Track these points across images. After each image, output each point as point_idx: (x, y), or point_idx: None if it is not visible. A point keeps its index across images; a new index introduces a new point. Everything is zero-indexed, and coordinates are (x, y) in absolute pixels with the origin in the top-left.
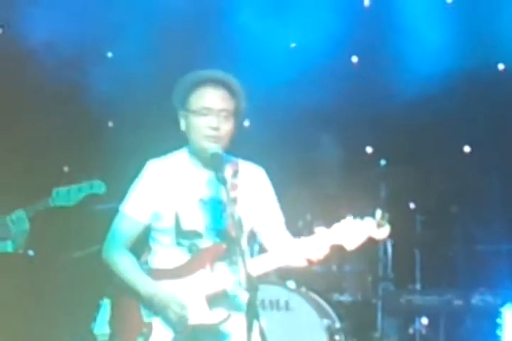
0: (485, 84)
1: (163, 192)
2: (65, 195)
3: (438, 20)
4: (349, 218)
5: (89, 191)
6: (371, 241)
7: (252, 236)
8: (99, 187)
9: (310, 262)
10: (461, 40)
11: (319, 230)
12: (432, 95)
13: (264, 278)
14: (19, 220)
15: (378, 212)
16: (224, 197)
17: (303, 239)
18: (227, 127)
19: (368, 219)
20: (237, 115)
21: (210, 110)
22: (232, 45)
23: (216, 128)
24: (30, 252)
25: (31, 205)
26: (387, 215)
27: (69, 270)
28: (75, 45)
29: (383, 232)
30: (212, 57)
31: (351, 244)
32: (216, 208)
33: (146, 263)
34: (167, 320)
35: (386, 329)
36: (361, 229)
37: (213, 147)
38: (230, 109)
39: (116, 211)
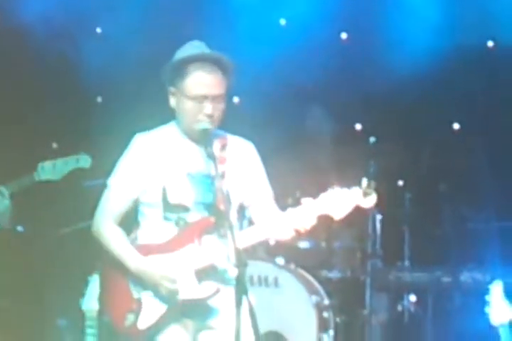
0: (474, 62)
1: (151, 165)
2: (51, 169)
3: None
4: (336, 187)
5: (76, 165)
6: (359, 212)
7: (241, 211)
8: (85, 160)
9: (298, 233)
10: (451, 18)
11: (306, 200)
12: (421, 72)
13: (253, 254)
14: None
15: (364, 181)
16: (212, 171)
17: (290, 209)
18: (220, 111)
19: (354, 188)
20: (228, 93)
21: (206, 97)
22: (223, 21)
23: (211, 115)
24: (19, 228)
25: (15, 181)
26: (373, 184)
27: (58, 246)
28: (64, 20)
29: (370, 201)
30: (202, 33)
31: (338, 213)
32: (204, 182)
33: (136, 238)
34: (157, 294)
35: (374, 306)
36: (348, 198)
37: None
38: (224, 92)
39: (105, 187)
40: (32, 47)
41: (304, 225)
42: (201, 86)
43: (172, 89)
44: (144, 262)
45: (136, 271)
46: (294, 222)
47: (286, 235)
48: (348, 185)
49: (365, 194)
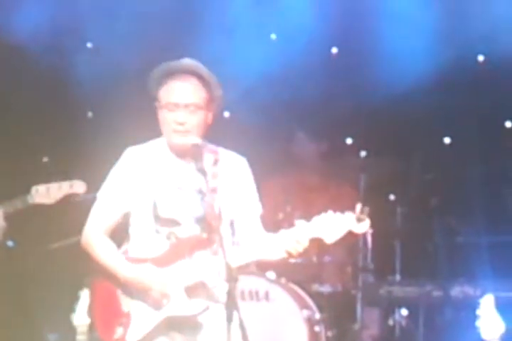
0: (465, 76)
1: (141, 178)
2: (44, 193)
3: (418, 12)
4: (329, 212)
5: (69, 190)
6: (351, 235)
7: (233, 226)
8: (79, 187)
9: (290, 255)
10: (441, 33)
11: (299, 223)
12: (412, 87)
13: (244, 269)
14: None
15: (358, 206)
16: (203, 185)
17: (283, 231)
18: (194, 121)
19: (348, 214)
20: (209, 105)
21: (177, 105)
22: (213, 35)
23: (182, 123)
24: (9, 243)
25: (8, 201)
26: (367, 209)
27: (48, 260)
28: (55, 35)
29: (363, 226)
30: (193, 47)
31: (331, 237)
32: (195, 197)
33: (126, 252)
34: (147, 307)
35: (366, 320)
36: (341, 223)
37: (184, 140)
38: (199, 101)
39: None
40: (22, 63)
41: (296, 248)
42: (171, 94)
43: (155, 103)
44: (132, 270)
45: (125, 278)
46: (286, 244)
47: (277, 256)
48: (341, 204)
49: (359, 220)
